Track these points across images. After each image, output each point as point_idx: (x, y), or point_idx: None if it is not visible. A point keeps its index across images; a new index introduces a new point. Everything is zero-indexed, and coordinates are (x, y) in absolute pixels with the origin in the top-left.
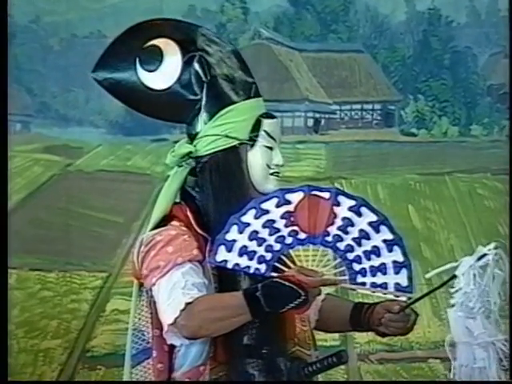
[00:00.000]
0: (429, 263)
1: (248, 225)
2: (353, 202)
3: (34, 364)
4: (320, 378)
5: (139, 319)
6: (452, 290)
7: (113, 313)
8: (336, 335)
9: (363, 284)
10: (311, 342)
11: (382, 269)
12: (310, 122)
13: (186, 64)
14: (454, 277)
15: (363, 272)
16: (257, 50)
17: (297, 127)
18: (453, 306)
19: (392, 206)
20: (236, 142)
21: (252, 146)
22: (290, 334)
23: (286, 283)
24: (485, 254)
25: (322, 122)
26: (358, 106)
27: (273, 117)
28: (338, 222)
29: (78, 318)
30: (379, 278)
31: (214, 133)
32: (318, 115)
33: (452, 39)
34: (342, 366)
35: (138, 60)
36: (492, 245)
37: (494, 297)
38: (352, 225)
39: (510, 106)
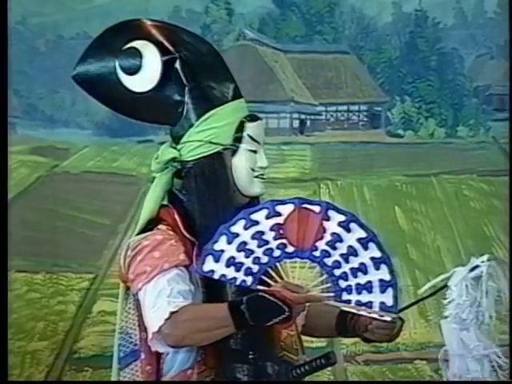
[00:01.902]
0: (415, 264)
1: (237, 235)
2: (343, 218)
3: (22, 366)
4: (306, 378)
5: (126, 322)
6: (445, 302)
7: (100, 314)
8: None
9: (348, 302)
10: (298, 346)
11: (367, 287)
12: (296, 123)
13: (166, 66)
14: (445, 286)
15: (349, 289)
16: (242, 51)
17: (282, 128)
18: (446, 317)
19: (378, 207)
20: (220, 148)
21: (236, 150)
22: (277, 339)
23: (271, 298)
24: (477, 266)
25: (308, 123)
26: (344, 107)
27: (256, 119)
28: (327, 237)
29: (64, 319)
30: (365, 297)
31: (197, 138)
32: (303, 116)
33: (439, 41)
34: (329, 367)
35: (117, 62)
36: (485, 257)
37: (488, 310)
38: (341, 240)
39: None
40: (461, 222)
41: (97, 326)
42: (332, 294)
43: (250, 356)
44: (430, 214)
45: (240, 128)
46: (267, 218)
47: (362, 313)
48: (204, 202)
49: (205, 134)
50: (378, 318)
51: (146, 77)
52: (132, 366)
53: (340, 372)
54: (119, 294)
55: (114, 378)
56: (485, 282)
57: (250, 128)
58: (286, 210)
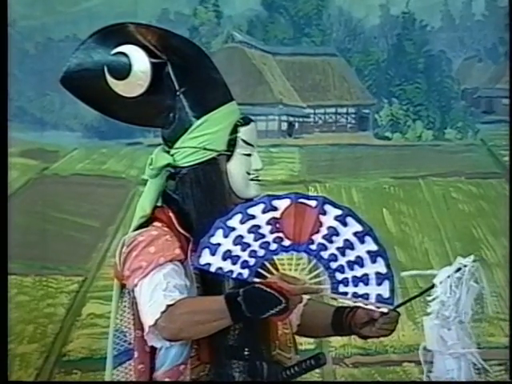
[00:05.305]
0: (403, 267)
1: (233, 229)
2: (339, 212)
3: (11, 369)
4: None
5: (121, 320)
6: (429, 298)
7: (89, 317)
8: (311, 339)
9: (345, 294)
10: (292, 345)
11: (364, 279)
12: (284, 126)
13: (156, 71)
14: (434, 286)
15: (345, 282)
16: (230, 53)
17: (270, 131)
18: (429, 314)
19: (366, 209)
20: (214, 154)
21: (231, 155)
22: (273, 337)
23: (268, 289)
24: (464, 265)
25: (296, 125)
26: (332, 110)
27: (248, 122)
28: (323, 231)
29: (54, 322)
30: (361, 289)
31: (191, 145)
32: (291, 119)
33: (426, 43)
34: (317, 370)
35: (106, 67)
36: (471, 257)
37: (466, 308)
38: (337, 234)
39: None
40: (449, 225)
41: (86, 329)
42: (328, 286)
43: (245, 353)
44: (418, 217)
45: (233, 132)
46: (264, 212)
47: (358, 304)
48: (199, 207)
49: (199, 140)
50: (375, 309)
51: (135, 82)
52: (125, 364)
53: (329, 374)
54: (114, 292)
55: (107, 376)
56: (466, 280)
57: (243, 132)
58: (282, 204)
